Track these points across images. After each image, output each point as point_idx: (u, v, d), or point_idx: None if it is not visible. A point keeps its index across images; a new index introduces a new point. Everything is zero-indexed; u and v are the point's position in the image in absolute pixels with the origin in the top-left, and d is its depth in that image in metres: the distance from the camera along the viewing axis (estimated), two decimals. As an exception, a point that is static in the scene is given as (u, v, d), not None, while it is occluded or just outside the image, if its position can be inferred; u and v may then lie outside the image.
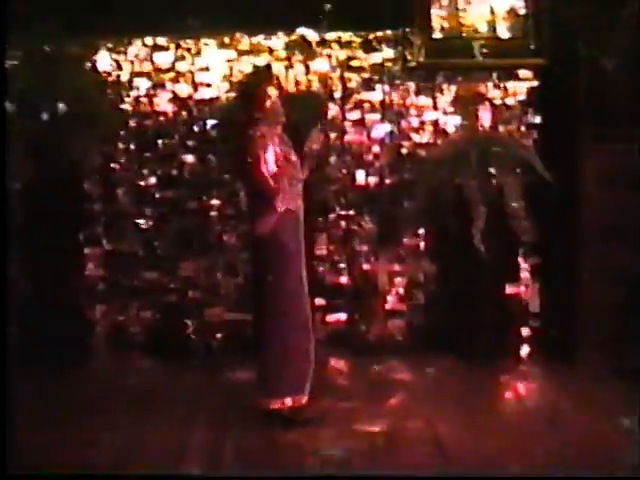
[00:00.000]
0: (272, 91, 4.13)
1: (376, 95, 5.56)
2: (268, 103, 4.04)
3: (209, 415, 4.30)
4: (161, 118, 5.51)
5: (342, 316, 5.56)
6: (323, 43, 5.48)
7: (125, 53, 5.49)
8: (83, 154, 5.15)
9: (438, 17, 5.38)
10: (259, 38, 5.48)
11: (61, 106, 5.06)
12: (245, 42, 5.49)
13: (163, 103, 5.52)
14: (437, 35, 5.42)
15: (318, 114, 5.12)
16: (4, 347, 3.26)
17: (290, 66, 5.46)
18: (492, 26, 5.41)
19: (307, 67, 5.47)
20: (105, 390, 4.75)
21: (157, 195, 5.55)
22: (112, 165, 5.51)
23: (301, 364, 4.09)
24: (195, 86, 5.51)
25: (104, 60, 5.47)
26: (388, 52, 5.53)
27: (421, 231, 5.57)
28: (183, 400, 4.55)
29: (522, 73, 5.53)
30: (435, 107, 5.57)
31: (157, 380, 4.97)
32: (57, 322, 5.07)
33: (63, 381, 4.78)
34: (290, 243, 4.05)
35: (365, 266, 5.59)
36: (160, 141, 5.52)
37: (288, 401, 4.07)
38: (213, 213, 5.54)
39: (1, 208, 3.43)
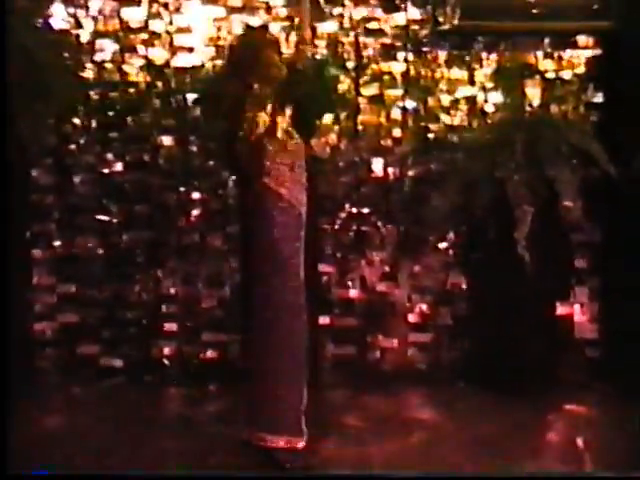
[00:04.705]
0: (275, 57, 3.90)
1: (398, 66, 5.23)
2: (272, 72, 3.83)
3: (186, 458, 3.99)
4: (130, 90, 5.18)
5: (351, 339, 5.21)
6: (334, -1, 5.18)
7: (86, 7, 5.14)
8: (32, 133, 4.61)
9: (477, -32, 5.12)
10: (254, -10, 5.19)
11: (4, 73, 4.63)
12: (237, -5, 5.16)
13: (133, 71, 5.19)
14: (475, -9, 5.13)
15: (324, 88, 4.62)
16: (4, 347, 3.34)
17: (292, 28, 5.09)
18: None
19: (313, 29, 5.07)
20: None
21: (124, 185, 5.20)
22: (68, 147, 5.17)
23: (295, 397, 3.82)
24: (173, 50, 5.18)
25: (59, 15, 5.11)
26: (414, 12, 5.19)
27: (451, 235, 5.26)
28: (156, 437, 4.23)
29: (581, 39, 5.25)
30: (471, 81, 5.25)
31: (124, 409, 4.66)
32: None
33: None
34: (288, 246, 3.81)
35: (380, 277, 5.25)
36: (129, 118, 5.19)
37: (281, 443, 3.81)
38: (194, 209, 5.21)
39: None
